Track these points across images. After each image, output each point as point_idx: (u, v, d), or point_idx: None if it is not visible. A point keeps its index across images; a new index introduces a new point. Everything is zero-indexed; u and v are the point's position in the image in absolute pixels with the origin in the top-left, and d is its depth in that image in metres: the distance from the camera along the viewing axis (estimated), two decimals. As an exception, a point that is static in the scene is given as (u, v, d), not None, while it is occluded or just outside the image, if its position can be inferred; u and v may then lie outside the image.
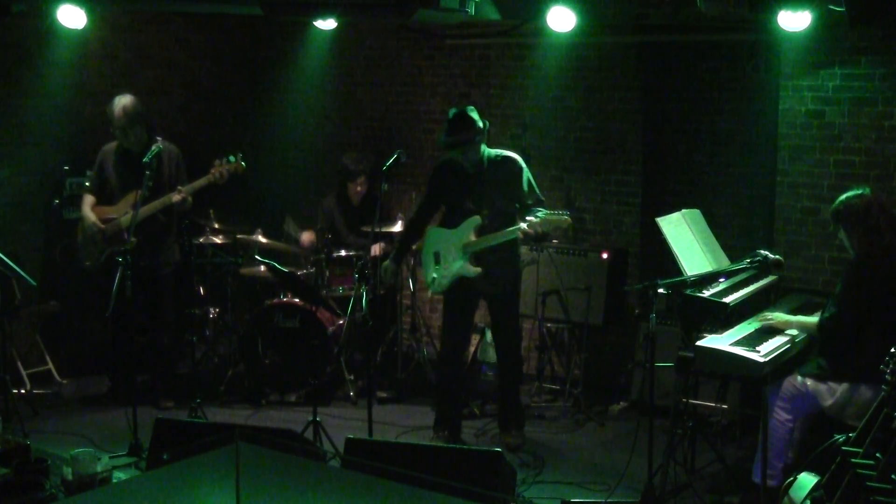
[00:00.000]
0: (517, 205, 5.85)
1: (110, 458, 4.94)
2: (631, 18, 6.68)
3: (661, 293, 5.21)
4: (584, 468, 5.82)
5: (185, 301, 7.25)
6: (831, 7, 5.20)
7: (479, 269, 5.85)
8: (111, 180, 6.67)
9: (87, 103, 7.72)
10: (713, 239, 6.02)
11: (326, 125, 8.62)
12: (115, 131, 6.56)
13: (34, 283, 6.34)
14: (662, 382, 5.67)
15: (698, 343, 5.03)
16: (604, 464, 5.84)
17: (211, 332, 7.55)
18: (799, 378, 5.00)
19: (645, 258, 7.08)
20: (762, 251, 5.20)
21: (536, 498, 5.35)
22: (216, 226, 7.25)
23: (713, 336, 5.14)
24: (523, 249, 6.40)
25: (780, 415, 5.02)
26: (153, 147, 6.28)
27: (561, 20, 6.06)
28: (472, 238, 5.84)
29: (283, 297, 6.94)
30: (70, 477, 4.05)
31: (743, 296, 5.57)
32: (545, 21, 6.10)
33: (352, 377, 7.03)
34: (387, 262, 6.26)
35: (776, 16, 5.36)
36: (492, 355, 6.80)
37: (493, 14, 6.37)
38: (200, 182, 6.50)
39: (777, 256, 5.19)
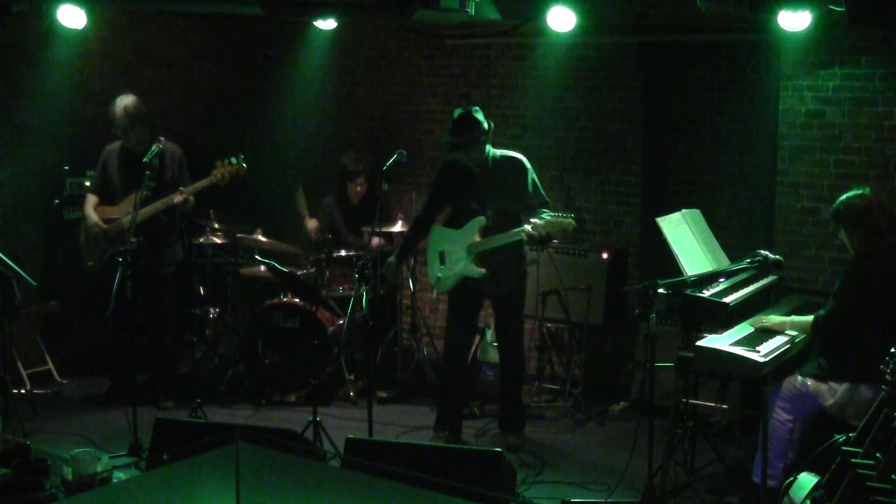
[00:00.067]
0: (522, 205, 5.85)
1: (110, 458, 4.94)
2: (631, 18, 6.69)
3: (661, 293, 5.21)
4: (584, 468, 5.82)
5: (186, 301, 7.25)
6: (831, 7, 5.20)
7: (483, 270, 5.85)
8: (114, 180, 6.67)
9: (87, 103, 7.71)
10: (713, 239, 6.02)
11: (326, 125, 8.62)
12: (117, 131, 6.57)
13: (34, 283, 6.34)
14: (662, 382, 5.67)
15: (698, 343, 5.03)
16: (604, 464, 5.84)
17: (211, 332, 7.55)
18: (799, 378, 5.00)
19: (645, 258, 7.08)
20: (762, 251, 5.20)
21: (536, 498, 5.35)
22: (216, 226, 7.25)
23: (713, 336, 5.14)
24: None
25: (780, 415, 5.02)
26: (154, 147, 6.27)
27: (561, 20, 6.06)
28: (477, 238, 5.84)
29: (283, 297, 6.94)
30: (70, 477, 4.05)
31: (743, 296, 5.57)
32: (545, 21, 6.10)
33: (352, 377, 7.03)
34: (391, 259, 6.29)
35: (776, 16, 5.36)
36: (492, 355, 6.80)
37: (493, 14, 6.37)
38: (202, 183, 6.51)
39: (777, 256, 5.18)
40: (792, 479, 4.44)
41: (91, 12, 6.61)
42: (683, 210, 5.94)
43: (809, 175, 6.25)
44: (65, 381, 7.12)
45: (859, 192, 5.06)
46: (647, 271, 6.85)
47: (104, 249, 6.56)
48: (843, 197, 5.06)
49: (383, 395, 6.96)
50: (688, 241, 5.74)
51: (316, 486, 3.26)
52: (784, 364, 5.03)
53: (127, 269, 5.74)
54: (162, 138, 6.55)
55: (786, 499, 4.42)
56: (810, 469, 4.35)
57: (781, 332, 5.16)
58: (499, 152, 5.92)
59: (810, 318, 5.12)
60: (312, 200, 7.68)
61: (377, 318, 6.46)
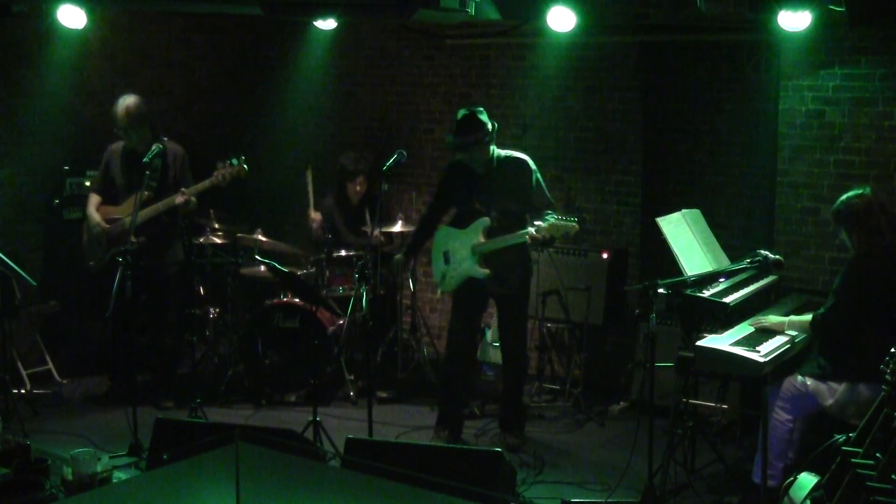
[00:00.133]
0: (526, 206, 5.85)
1: (110, 458, 4.92)
2: (631, 18, 6.68)
3: (661, 293, 5.21)
4: (584, 468, 5.82)
5: (186, 301, 7.25)
6: (831, 7, 5.20)
7: (487, 271, 5.85)
8: (116, 180, 6.67)
9: (87, 103, 7.72)
10: (713, 239, 6.02)
11: (326, 125, 8.62)
12: (119, 131, 6.57)
13: (34, 283, 6.34)
14: (662, 382, 5.67)
15: (698, 343, 5.03)
16: (604, 464, 5.84)
17: (211, 332, 7.55)
18: (799, 378, 5.01)
19: (645, 258, 7.08)
20: (762, 251, 5.20)
21: (536, 498, 5.35)
22: (216, 226, 7.25)
23: (713, 336, 5.14)
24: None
25: (780, 415, 5.02)
26: (154, 147, 6.27)
27: (561, 20, 6.05)
28: (481, 239, 5.85)
29: (283, 297, 6.95)
30: (70, 477, 4.04)
31: (743, 296, 5.58)
32: (545, 21, 6.09)
33: (352, 377, 7.03)
34: (398, 256, 6.35)
35: (776, 16, 5.36)
36: (492, 355, 6.81)
37: (493, 14, 6.36)
38: (203, 185, 6.51)
39: (777, 256, 5.18)
40: (792, 479, 4.44)
41: (91, 12, 6.61)
42: (683, 210, 5.94)
43: (809, 175, 6.25)
44: (65, 381, 7.12)
45: (859, 191, 5.06)
46: (647, 271, 6.85)
47: (106, 249, 6.56)
48: (844, 197, 5.06)
49: (383, 395, 6.96)
50: (688, 241, 5.74)
51: (316, 486, 3.25)
52: (784, 364, 5.03)
53: (127, 269, 5.74)
54: (165, 139, 6.56)
55: (786, 499, 4.42)
56: (810, 469, 4.35)
57: (781, 332, 5.16)
58: (503, 153, 5.92)
59: (809, 316, 5.12)
60: (318, 191, 7.64)
61: (377, 318, 6.46)
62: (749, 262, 5.23)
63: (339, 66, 8.46)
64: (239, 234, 7.22)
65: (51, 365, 7.13)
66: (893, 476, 3.75)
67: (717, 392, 6.17)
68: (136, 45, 8.09)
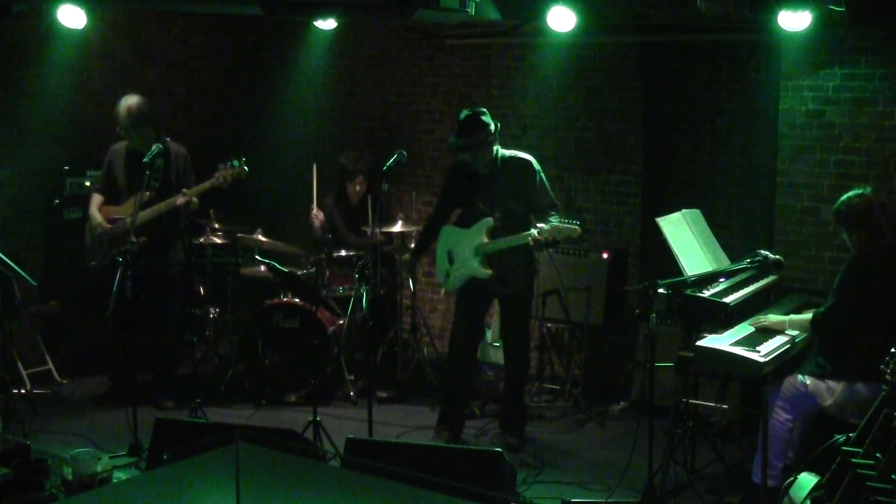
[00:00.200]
0: (530, 206, 5.85)
1: (110, 458, 4.94)
2: (631, 18, 6.68)
3: (661, 293, 5.21)
4: (584, 468, 5.82)
5: (186, 301, 7.25)
6: (831, 7, 5.20)
7: (490, 272, 5.85)
8: (119, 180, 6.66)
9: (87, 103, 7.72)
10: (713, 239, 6.02)
11: (326, 125, 8.62)
12: (121, 131, 6.57)
13: (34, 283, 6.34)
14: (662, 382, 5.66)
15: (698, 343, 5.03)
16: (604, 464, 5.84)
17: (211, 332, 7.55)
18: (799, 377, 5.01)
19: (645, 258, 7.08)
20: (762, 251, 5.20)
21: (536, 498, 5.35)
22: (216, 226, 7.25)
23: (713, 336, 5.14)
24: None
25: (780, 414, 5.02)
26: (154, 147, 6.25)
27: (561, 20, 6.05)
28: (485, 240, 5.85)
29: (283, 297, 6.94)
30: (70, 477, 4.04)
31: (743, 296, 5.57)
32: (545, 21, 6.09)
33: (352, 377, 7.03)
34: (407, 256, 6.48)
35: (776, 16, 5.36)
36: (492, 355, 6.80)
37: (493, 14, 6.37)
38: (204, 186, 6.51)
39: (777, 256, 5.19)
40: (792, 479, 4.45)
41: (91, 12, 6.60)
42: (683, 210, 5.94)
43: (809, 175, 6.25)
44: (65, 381, 7.12)
45: (860, 191, 5.06)
46: (647, 271, 6.85)
47: (108, 249, 6.56)
48: (844, 197, 5.06)
49: (383, 395, 6.96)
50: (688, 241, 5.74)
51: (316, 486, 3.25)
52: (784, 364, 5.03)
53: (127, 269, 5.74)
54: (168, 139, 6.56)
55: (786, 499, 4.42)
56: (810, 469, 4.35)
57: (782, 332, 5.16)
58: (507, 153, 5.92)
59: (810, 315, 5.12)
60: (319, 191, 7.63)
61: (377, 318, 6.46)
62: (749, 262, 5.23)
63: (339, 66, 8.45)
64: (239, 234, 7.22)
65: (51, 365, 7.13)
66: (893, 476, 3.75)
67: (717, 392, 6.17)
68: (136, 45, 8.09)
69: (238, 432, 3.08)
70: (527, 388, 6.73)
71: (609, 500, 5.28)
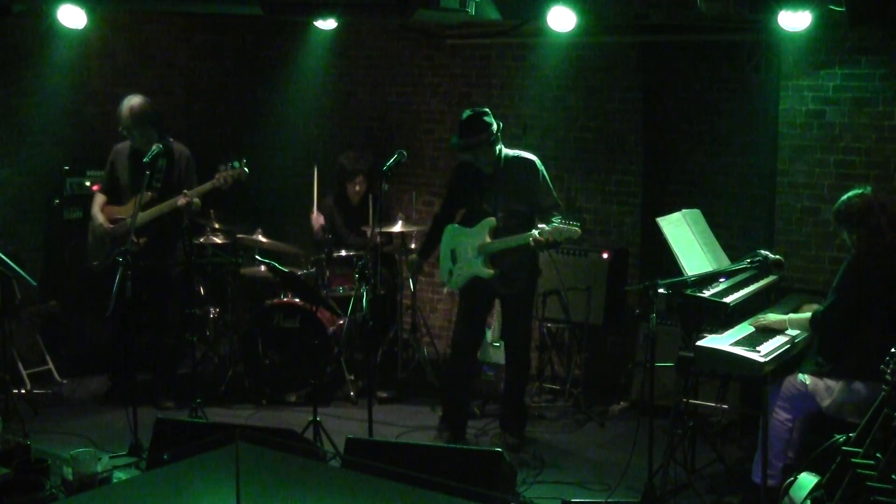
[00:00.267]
0: (533, 206, 5.86)
1: (110, 458, 4.92)
2: (631, 18, 6.67)
3: (662, 293, 5.22)
4: (584, 468, 5.82)
5: (186, 301, 7.25)
6: (831, 7, 5.20)
7: (492, 272, 5.85)
8: (122, 180, 6.66)
9: (87, 103, 7.72)
10: (713, 239, 6.02)
11: (327, 125, 8.62)
12: (123, 131, 6.57)
13: (34, 283, 6.33)
14: (662, 382, 5.67)
15: (698, 343, 5.03)
16: (604, 464, 5.84)
17: (211, 332, 7.55)
18: (799, 377, 5.01)
19: (645, 258, 7.08)
20: (762, 251, 5.20)
21: (536, 498, 5.35)
22: (216, 226, 7.25)
23: (713, 336, 5.14)
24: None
25: (780, 414, 5.02)
26: (154, 147, 6.25)
27: (561, 20, 6.05)
28: (488, 239, 5.85)
29: (283, 297, 6.94)
30: (70, 477, 4.04)
31: (743, 296, 5.57)
32: (545, 21, 6.09)
33: (352, 377, 7.03)
34: (413, 256, 6.51)
35: (776, 16, 5.36)
36: (492, 355, 6.80)
37: (493, 14, 6.36)
38: (205, 187, 6.51)
39: (777, 256, 5.19)
40: (792, 479, 4.44)
41: (91, 12, 6.60)
42: (683, 210, 5.94)
43: (809, 175, 6.25)
44: (65, 381, 7.12)
45: (860, 191, 5.06)
46: (647, 271, 6.85)
47: (110, 249, 6.56)
48: (844, 197, 5.06)
49: (383, 395, 6.96)
50: (688, 241, 5.74)
51: (316, 486, 3.26)
52: (784, 364, 5.03)
53: (127, 269, 5.73)
54: (171, 139, 6.56)
55: (786, 499, 4.42)
56: (810, 469, 4.35)
57: (782, 332, 5.16)
58: (511, 153, 5.92)
59: (809, 314, 5.12)
60: (319, 191, 7.63)
61: (377, 318, 6.46)
62: (749, 262, 5.24)
63: (339, 66, 8.45)
64: (239, 235, 7.22)
65: (51, 365, 7.13)
66: (893, 476, 3.75)
67: (717, 392, 6.17)
68: (136, 45, 8.09)
69: (238, 432, 3.08)
70: (527, 388, 6.73)
71: (609, 500, 5.28)
